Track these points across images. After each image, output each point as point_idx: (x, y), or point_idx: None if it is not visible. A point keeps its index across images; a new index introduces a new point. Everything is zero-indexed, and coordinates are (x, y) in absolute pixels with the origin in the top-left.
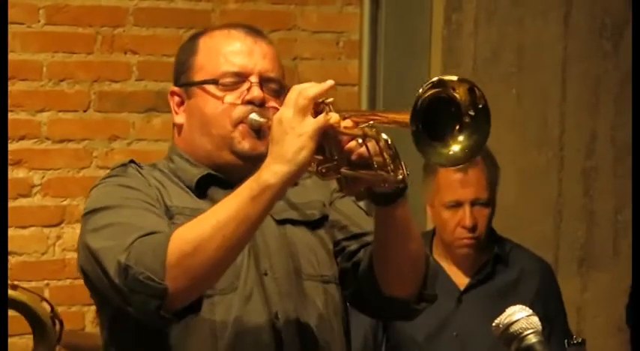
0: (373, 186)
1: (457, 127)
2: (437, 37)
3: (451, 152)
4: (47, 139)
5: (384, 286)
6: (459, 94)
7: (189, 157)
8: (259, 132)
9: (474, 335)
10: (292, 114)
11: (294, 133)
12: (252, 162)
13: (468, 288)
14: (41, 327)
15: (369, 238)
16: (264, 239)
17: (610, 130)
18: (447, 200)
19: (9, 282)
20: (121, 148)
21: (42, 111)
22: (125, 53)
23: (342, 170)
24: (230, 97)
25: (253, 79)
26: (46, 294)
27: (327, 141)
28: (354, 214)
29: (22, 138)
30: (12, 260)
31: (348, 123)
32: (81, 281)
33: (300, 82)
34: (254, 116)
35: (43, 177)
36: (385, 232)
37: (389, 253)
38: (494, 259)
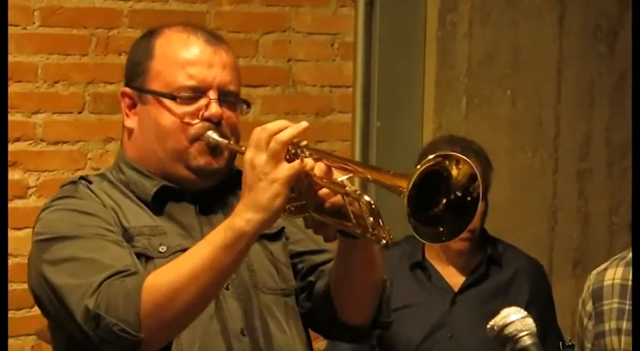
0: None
1: (443, 201)
2: (431, 38)
3: (433, 231)
4: (42, 140)
5: (341, 313)
6: (458, 172)
7: (140, 166)
8: (215, 150)
9: (468, 336)
10: (265, 160)
11: (267, 179)
12: (207, 177)
13: (463, 289)
14: None
15: (326, 256)
16: None
17: (604, 132)
18: None
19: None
20: (115, 150)
21: (37, 113)
22: (120, 55)
23: (312, 213)
24: (187, 112)
25: (212, 94)
26: None
27: (298, 183)
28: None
29: (17, 140)
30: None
31: (321, 166)
32: None
33: (294, 84)
34: (212, 134)
35: (38, 178)
36: (348, 263)
37: (351, 282)
38: (487, 259)
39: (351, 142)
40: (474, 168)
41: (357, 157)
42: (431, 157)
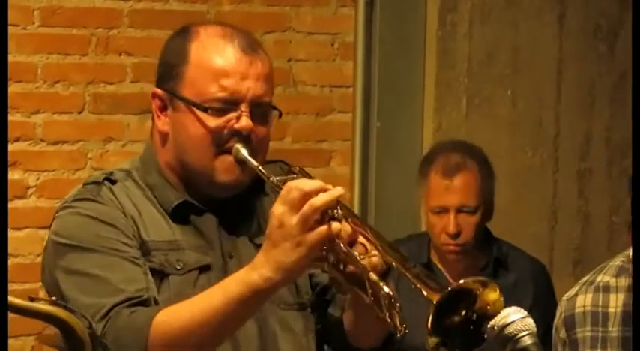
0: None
1: (462, 313)
2: (431, 38)
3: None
4: (42, 140)
5: (353, 340)
6: (485, 295)
7: (167, 173)
8: (243, 164)
9: None
10: (295, 222)
11: (294, 241)
12: (229, 191)
13: None
14: (79, 344)
15: None
16: (241, 266)
17: (605, 132)
18: (433, 205)
19: (48, 297)
20: (115, 150)
21: (37, 113)
22: (120, 55)
23: (331, 269)
24: (217, 124)
25: (244, 107)
26: (41, 296)
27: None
28: None
29: (17, 140)
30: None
31: (347, 228)
32: None
33: (295, 83)
34: (240, 149)
35: (38, 179)
36: (361, 314)
37: (364, 324)
38: (494, 261)
39: (351, 142)
40: (502, 305)
41: (357, 158)
42: (469, 280)
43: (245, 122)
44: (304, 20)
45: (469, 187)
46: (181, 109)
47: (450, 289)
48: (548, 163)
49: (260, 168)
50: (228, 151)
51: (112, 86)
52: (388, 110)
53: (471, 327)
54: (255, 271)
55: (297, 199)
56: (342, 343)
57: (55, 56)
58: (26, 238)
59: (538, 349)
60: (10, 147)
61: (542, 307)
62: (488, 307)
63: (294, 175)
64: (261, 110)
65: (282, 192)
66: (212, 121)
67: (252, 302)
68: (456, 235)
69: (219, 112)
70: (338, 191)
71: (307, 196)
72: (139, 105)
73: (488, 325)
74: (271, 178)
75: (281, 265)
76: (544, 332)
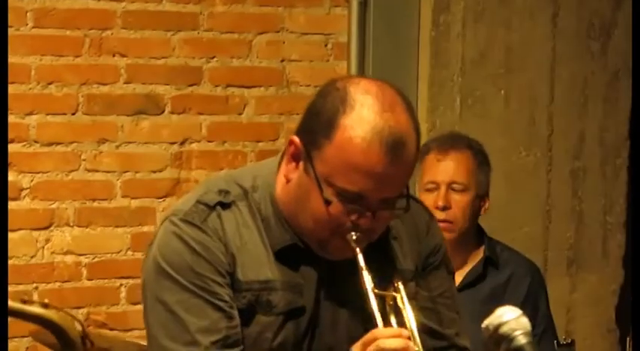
0: None
1: None
2: (425, 38)
3: None
4: (36, 142)
5: None
6: None
7: (284, 215)
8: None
9: None
10: None
11: None
12: (338, 259)
13: (459, 290)
14: (70, 346)
15: (444, 343)
16: (334, 313)
17: (598, 131)
18: (425, 181)
19: (40, 300)
20: (109, 151)
21: (30, 114)
22: (113, 56)
23: None
24: (339, 211)
25: (369, 209)
26: (35, 297)
27: None
28: (443, 304)
29: (11, 141)
30: None
31: None
32: (70, 284)
33: (288, 84)
34: (356, 246)
35: (32, 180)
36: None
37: None
38: (485, 261)
39: None
40: None
41: None
42: None
43: (365, 222)
44: (297, 21)
45: (460, 165)
46: (310, 176)
47: None
48: (542, 163)
49: (365, 272)
50: (343, 234)
51: (106, 87)
52: None
53: None
54: None
55: None
56: None
57: (48, 57)
58: (20, 240)
59: (532, 348)
60: None
61: (534, 308)
62: None
63: (393, 293)
64: (388, 203)
65: (366, 337)
66: (335, 207)
67: None
68: (445, 209)
69: (346, 199)
70: None
71: None
72: (133, 106)
73: (483, 325)
74: (370, 288)
75: None
76: (537, 333)
